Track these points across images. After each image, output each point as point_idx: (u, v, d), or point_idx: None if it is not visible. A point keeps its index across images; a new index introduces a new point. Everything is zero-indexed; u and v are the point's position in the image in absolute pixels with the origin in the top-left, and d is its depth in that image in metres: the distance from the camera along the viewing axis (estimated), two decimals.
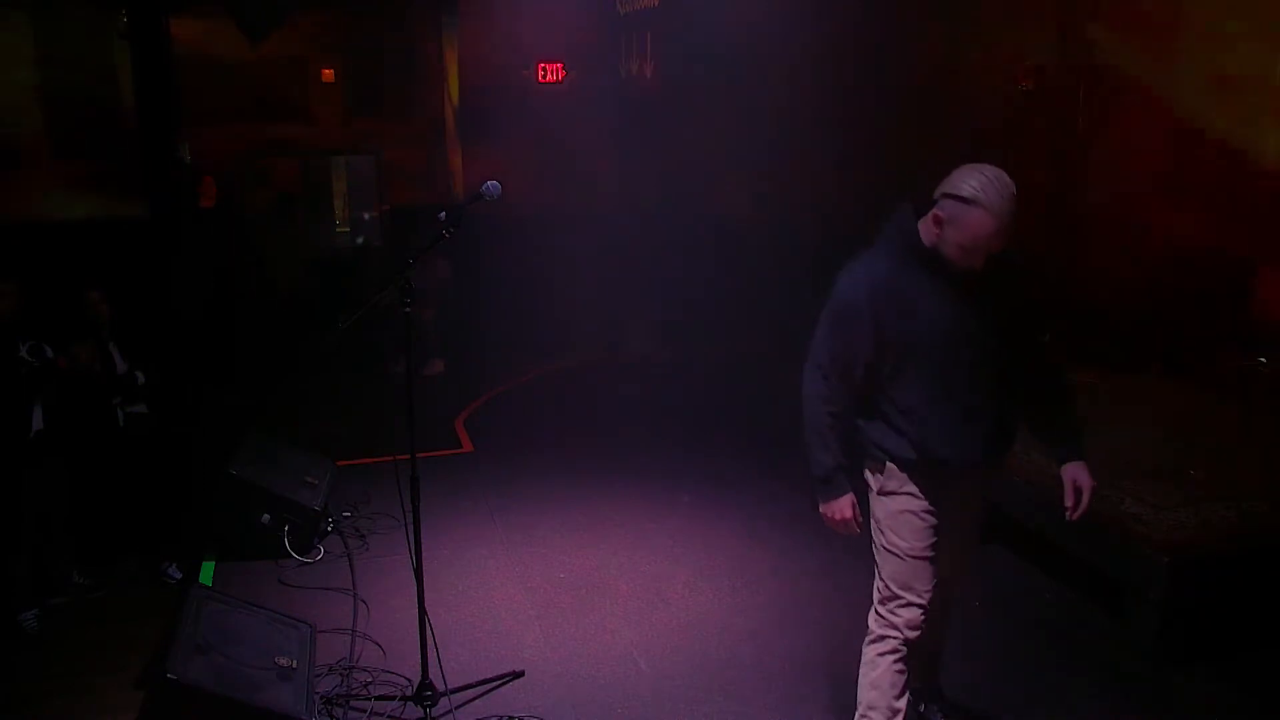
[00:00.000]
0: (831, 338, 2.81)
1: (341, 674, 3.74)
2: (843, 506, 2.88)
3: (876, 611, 3.00)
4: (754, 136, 9.21)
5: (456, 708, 3.49)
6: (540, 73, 10.90)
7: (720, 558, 4.74)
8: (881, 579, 2.97)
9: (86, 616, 4.38)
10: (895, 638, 2.95)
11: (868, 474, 2.98)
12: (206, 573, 4.63)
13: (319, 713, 3.44)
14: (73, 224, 8.86)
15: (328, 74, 11.04)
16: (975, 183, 2.61)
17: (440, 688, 3.49)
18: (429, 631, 3.42)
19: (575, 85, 10.97)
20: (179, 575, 4.66)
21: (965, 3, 7.85)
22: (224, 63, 10.13)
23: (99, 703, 3.71)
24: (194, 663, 3.15)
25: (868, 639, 3.03)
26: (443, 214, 3.24)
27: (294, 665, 3.42)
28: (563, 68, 10.92)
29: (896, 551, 2.90)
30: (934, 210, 2.68)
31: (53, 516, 4.42)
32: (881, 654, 2.97)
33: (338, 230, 10.89)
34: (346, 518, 5.20)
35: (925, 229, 2.73)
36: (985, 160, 2.68)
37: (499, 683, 3.68)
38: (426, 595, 3.45)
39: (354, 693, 3.61)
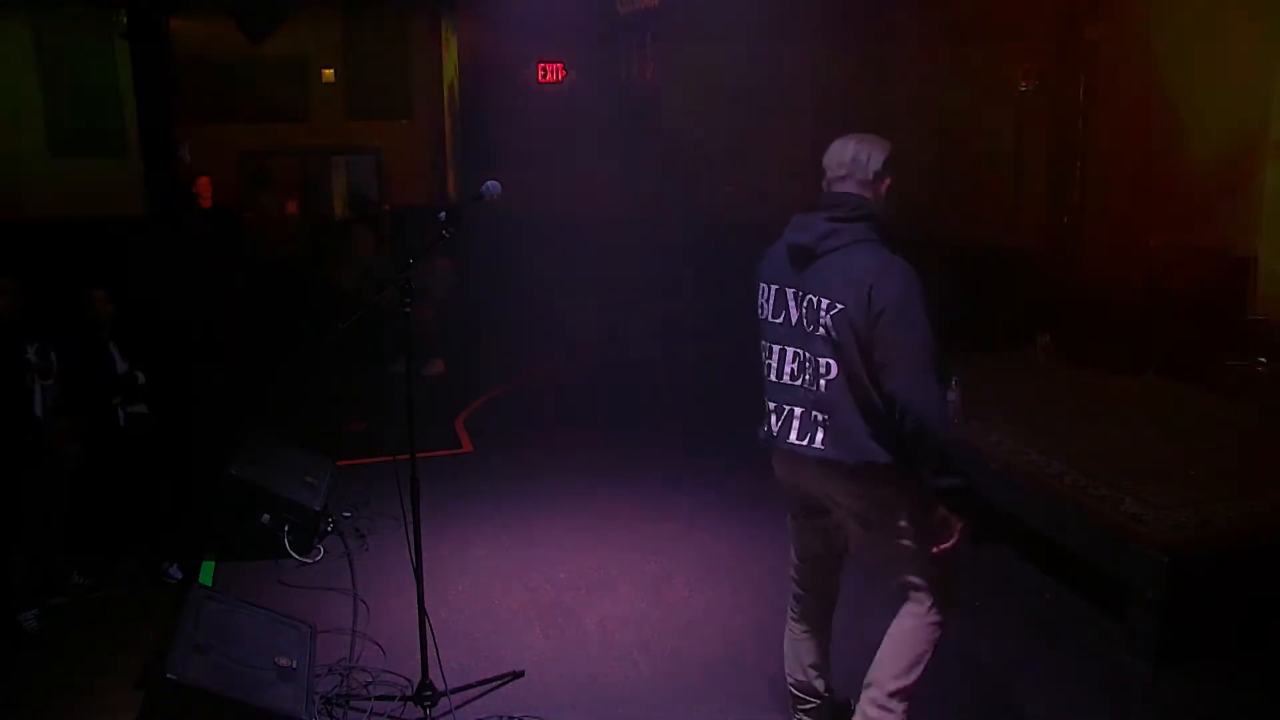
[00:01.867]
0: (928, 321, 2.60)
1: (341, 674, 3.73)
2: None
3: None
4: (754, 136, 9.22)
5: (456, 708, 3.49)
6: (540, 73, 10.91)
7: (720, 558, 4.74)
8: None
9: (86, 616, 4.38)
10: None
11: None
12: (206, 573, 4.63)
13: (319, 713, 3.44)
14: (73, 224, 8.87)
15: (328, 74, 11.04)
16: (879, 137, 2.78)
17: (440, 688, 3.48)
18: (429, 631, 3.42)
19: (575, 85, 10.98)
20: (179, 575, 4.66)
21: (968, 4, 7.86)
22: (224, 63, 10.14)
23: (99, 703, 3.71)
24: (194, 663, 3.15)
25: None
26: (443, 214, 3.24)
27: (294, 665, 3.41)
28: (563, 68, 10.93)
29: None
30: (885, 181, 2.74)
31: (52, 516, 4.42)
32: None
33: None
34: (346, 518, 5.20)
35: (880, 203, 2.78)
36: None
37: (499, 683, 3.68)
38: (426, 595, 3.45)
39: (354, 693, 3.61)
